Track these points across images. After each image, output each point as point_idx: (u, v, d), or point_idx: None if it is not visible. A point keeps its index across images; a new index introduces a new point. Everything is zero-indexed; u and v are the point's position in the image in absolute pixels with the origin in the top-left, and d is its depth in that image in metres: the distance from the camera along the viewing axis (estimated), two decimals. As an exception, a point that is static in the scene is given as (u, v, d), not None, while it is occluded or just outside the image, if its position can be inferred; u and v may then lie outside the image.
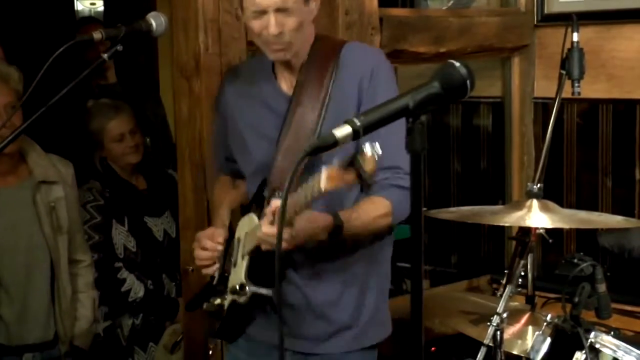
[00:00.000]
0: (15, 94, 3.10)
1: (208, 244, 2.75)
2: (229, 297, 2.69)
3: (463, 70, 1.73)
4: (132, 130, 4.05)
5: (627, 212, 4.14)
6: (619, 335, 2.90)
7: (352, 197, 2.65)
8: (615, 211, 4.16)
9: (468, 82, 1.74)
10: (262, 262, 2.54)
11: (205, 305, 2.81)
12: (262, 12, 2.52)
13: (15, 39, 5.72)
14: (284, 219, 2.00)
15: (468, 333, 3.14)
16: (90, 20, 5.69)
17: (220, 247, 2.75)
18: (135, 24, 2.44)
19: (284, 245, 2.37)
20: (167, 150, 4.43)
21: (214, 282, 2.82)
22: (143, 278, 4.00)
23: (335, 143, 1.72)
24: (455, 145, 4.81)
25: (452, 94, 1.75)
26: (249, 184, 2.78)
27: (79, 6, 7.56)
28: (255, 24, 2.56)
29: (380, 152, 1.88)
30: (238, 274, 2.64)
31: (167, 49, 4.10)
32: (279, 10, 2.51)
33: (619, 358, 2.80)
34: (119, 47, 2.38)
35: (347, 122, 1.73)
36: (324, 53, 2.68)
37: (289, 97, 2.67)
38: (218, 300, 2.74)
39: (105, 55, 2.36)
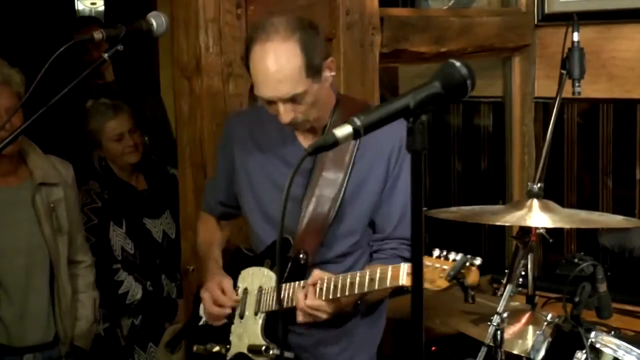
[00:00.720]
0: (17, 97, 3.10)
1: (222, 299, 2.70)
2: (233, 349, 2.69)
3: (464, 70, 1.73)
4: (131, 130, 4.04)
5: (628, 211, 4.14)
6: (619, 335, 2.90)
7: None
8: (615, 211, 4.16)
9: (469, 81, 1.73)
10: (277, 321, 2.58)
11: (196, 348, 2.80)
12: (271, 101, 2.48)
13: (16, 39, 5.72)
14: (284, 220, 2.02)
15: (469, 333, 3.13)
16: (90, 21, 5.69)
17: (234, 304, 2.71)
18: (136, 24, 2.43)
19: (324, 317, 2.48)
20: (167, 147, 4.43)
21: (202, 322, 2.81)
22: (141, 279, 3.99)
23: (335, 143, 1.72)
24: (456, 145, 4.81)
25: (453, 93, 1.74)
26: (257, 234, 2.74)
27: (79, 6, 7.57)
28: (268, 107, 2.52)
29: (479, 262, 2.06)
30: (250, 330, 2.65)
31: (167, 48, 4.09)
32: (287, 100, 2.46)
33: (620, 358, 2.80)
34: (120, 47, 2.38)
35: (347, 121, 1.73)
36: (348, 116, 2.64)
37: (312, 157, 2.56)
38: (217, 348, 2.73)
39: (106, 55, 2.36)
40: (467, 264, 2.07)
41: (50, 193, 3.25)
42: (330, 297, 2.43)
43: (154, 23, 2.44)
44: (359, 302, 2.58)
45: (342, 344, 2.72)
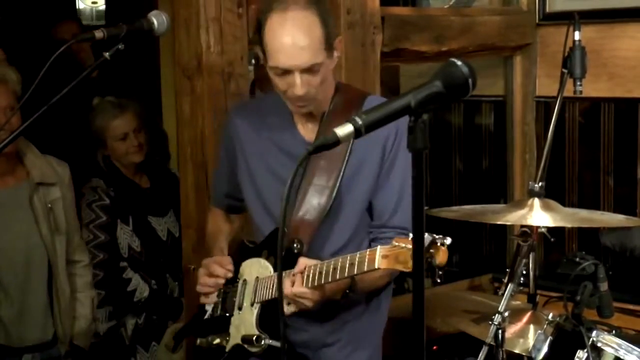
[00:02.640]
0: (14, 96, 3.09)
1: (218, 270, 2.73)
2: (232, 341, 2.68)
3: (465, 69, 1.73)
4: (136, 129, 4.03)
5: (629, 211, 4.14)
6: (620, 334, 2.90)
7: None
8: (617, 210, 4.16)
9: (470, 80, 1.73)
10: (273, 312, 2.56)
11: (199, 341, 2.80)
12: (286, 71, 2.46)
13: (16, 39, 5.72)
14: (285, 218, 2.02)
15: (470, 332, 3.13)
16: (68, 17, 5.65)
17: (230, 275, 2.73)
18: (137, 23, 2.43)
19: (309, 304, 2.46)
20: (161, 144, 4.42)
21: (207, 316, 2.82)
22: (147, 278, 4.00)
23: (337, 142, 1.72)
24: (457, 144, 4.80)
25: (454, 92, 1.74)
26: (257, 225, 2.75)
27: (80, 5, 7.57)
28: (279, 81, 2.50)
29: (449, 242, 2.01)
30: (246, 321, 2.64)
31: (169, 48, 4.10)
32: (305, 70, 2.44)
33: (621, 357, 2.80)
34: (121, 46, 2.38)
35: (349, 120, 1.73)
36: (346, 104, 2.63)
37: (309, 144, 2.62)
38: (217, 340, 2.73)
39: (107, 54, 2.36)
40: (438, 243, 2.02)
41: (48, 193, 3.24)
42: (316, 283, 2.41)
43: (155, 22, 2.45)
44: (348, 291, 2.54)
45: (342, 338, 2.71)
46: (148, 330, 4.02)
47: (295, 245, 2.57)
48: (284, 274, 2.50)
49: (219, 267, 2.74)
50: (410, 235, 2.08)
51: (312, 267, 2.44)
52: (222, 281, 2.74)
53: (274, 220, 2.67)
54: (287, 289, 2.46)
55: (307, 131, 2.64)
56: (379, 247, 2.25)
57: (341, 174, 2.59)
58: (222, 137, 2.90)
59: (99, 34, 2.34)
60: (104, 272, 3.83)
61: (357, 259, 2.32)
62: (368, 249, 2.31)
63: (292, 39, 2.41)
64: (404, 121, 1.71)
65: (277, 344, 2.57)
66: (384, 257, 2.22)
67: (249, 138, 2.73)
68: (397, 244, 2.17)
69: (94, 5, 7.50)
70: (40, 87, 2.26)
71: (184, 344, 3.36)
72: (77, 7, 7.53)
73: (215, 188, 2.98)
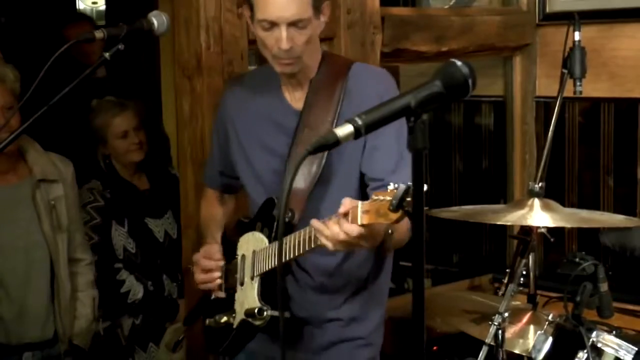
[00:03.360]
0: (12, 94, 3.09)
1: (208, 264, 2.75)
2: (238, 317, 2.68)
3: (465, 69, 1.73)
4: (136, 128, 4.04)
5: (629, 211, 4.14)
6: (620, 334, 2.90)
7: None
8: (617, 210, 4.16)
9: (470, 81, 1.73)
10: (274, 283, 2.54)
11: (208, 321, 2.80)
12: (273, 24, 2.45)
13: (17, 39, 5.73)
14: (284, 225, 2.01)
15: (470, 332, 3.14)
16: (81, 18, 5.67)
17: (221, 263, 2.75)
18: (137, 23, 2.44)
19: (365, 243, 2.26)
20: (162, 145, 4.43)
21: (213, 296, 2.82)
22: (143, 279, 3.99)
23: (337, 142, 1.72)
24: (457, 144, 4.81)
25: (454, 92, 1.74)
26: (252, 199, 2.75)
27: (80, 5, 7.57)
28: (265, 36, 2.49)
29: (425, 188, 1.88)
30: (249, 295, 2.64)
31: (168, 47, 4.10)
32: (291, 24, 2.44)
33: (621, 357, 2.80)
34: (121, 46, 2.38)
35: (348, 120, 1.73)
36: (333, 72, 2.63)
37: (297, 113, 2.62)
38: (225, 318, 2.73)
39: (107, 54, 2.37)
40: (411, 190, 1.91)
41: (50, 190, 3.24)
42: (313, 246, 2.32)
43: (155, 22, 2.45)
44: (390, 231, 2.36)
45: (342, 314, 2.69)
46: (145, 331, 4.02)
47: (287, 214, 2.54)
48: (287, 240, 2.43)
49: (208, 260, 2.75)
50: (390, 186, 2.04)
51: (307, 230, 2.34)
52: (218, 273, 2.74)
53: (266, 191, 2.67)
54: (339, 233, 2.24)
55: (295, 100, 2.64)
56: (359, 202, 2.15)
57: None
58: (216, 115, 2.90)
59: (99, 34, 2.34)
60: (97, 273, 3.82)
61: (349, 216, 2.21)
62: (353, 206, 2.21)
63: None
64: (393, 86, 1.67)
65: (274, 312, 2.56)
66: (365, 213, 2.13)
67: (239, 111, 2.74)
68: (376, 197, 2.09)
69: (94, 5, 7.50)
70: (48, 87, 2.26)
71: (184, 344, 3.36)
72: (77, 7, 7.53)
73: (209, 167, 2.96)
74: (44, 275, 3.24)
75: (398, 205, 1.99)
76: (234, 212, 2.97)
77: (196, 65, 3.21)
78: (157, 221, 4.08)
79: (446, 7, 4.38)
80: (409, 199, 1.98)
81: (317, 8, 2.48)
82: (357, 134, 1.73)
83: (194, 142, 3.28)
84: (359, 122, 1.72)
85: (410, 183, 1.92)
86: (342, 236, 2.25)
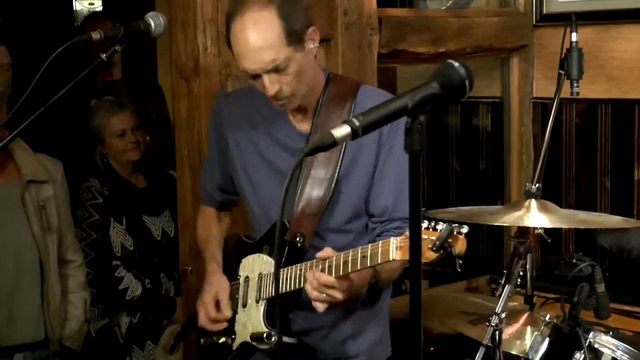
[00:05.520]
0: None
1: (218, 316, 2.71)
2: (239, 339, 2.68)
3: (462, 71, 1.73)
4: (134, 127, 4.06)
5: (626, 212, 4.14)
6: (617, 335, 2.91)
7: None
8: (614, 211, 4.16)
9: (467, 82, 1.73)
10: (280, 308, 2.53)
11: (203, 340, 2.79)
12: (255, 74, 2.45)
13: (14, 39, 5.71)
14: (281, 226, 2.01)
15: (467, 333, 3.14)
16: (98, 16, 5.67)
17: (229, 315, 2.70)
18: (134, 24, 2.43)
19: (339, 296, 2.38)
20: (168, 149, 4.43)
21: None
22: (140, 277, 4.00)
23: (334, 143, 1.72)
24: (454, 145, 4.81)
25: (451, 94, 1.75)
26: (256, 220, 2.73)
27: (77, 6, 7.56)
28: (253, 82, 2.50)
29: (466, 230, 2.02)
30: (253, 318, 2.64)
31: (166, 49, 4.10)
32: (271, 71, 2.43)
33: (618, 358, 2.81)
34: (118, 48, 2.38)
35: (346, 122, 1.73)
36: (340, 94, 2.62)
37: (303, 135, 2.60)
38: (223, 339, 2.72)
39: (104, 56, 2.36)
40: (454, 232, 2.02)
41: (40, 191, 3.21)
42: (341, 273, 2.36)
43: (152, 23, 2.44)
44: (375, 281, 2.50)
45: (344, 328, 2.70)
46: (143, 330, 4.03)
47: (298, 239, 2.55)
48: (298, 268, 2.49)
49: (217, 313, 2.71)
50: (425, 223, 2.09)
51: (321, 262, 2.40)
52: (224, 325, 2.71)
53: (268, 212, 2.66)
54: (313, 281, 2.39)
55: (299, 122, 2.63)
56: (392, 238, 2.23)
57: (339, 165, 2.57)
58: (210, 127, 2.86)
59: (96, 35, 2.34)
60: (95, 271, 3.83)
61: (369, 251, 2.29)
62: (380, 241, 2.28)
63: (250, 41, 2.40)
64: None
65: (288, 339, 2.57)
66: (398, 249, 2.21)
67: (241, 129, 2.71)
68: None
69: (91, 6, 7.48)
70: (53, 85, 2.26)
71: (182, 345, 3.35)
72: (74, 8, 7.52)
73: (207, 182, 2.92)
74: (34, 277, 3.22)
75: (440, 246, 2.03)
76: (228, 229, 2.96)
77: (193, 66, 3.21)
78: (155, 219, 4.10)
79: (443, 8, 4.38)
80: (450, 240, 2.02)
81: (296, 41, 2.43)
82: (355, 134, 1.72)
83: (191, 144, 3.28)
84: (356, 123, 1.72)
85: (455, 225, 2.02)
86: (314, 284, 2.36)
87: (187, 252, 3.35)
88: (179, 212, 3.43)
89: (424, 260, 2.09)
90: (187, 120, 3.28)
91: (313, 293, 2.40)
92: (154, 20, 2.44)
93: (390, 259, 2.23)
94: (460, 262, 2.04)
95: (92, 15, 5.75)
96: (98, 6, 7.37)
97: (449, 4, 4.39)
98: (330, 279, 2.37)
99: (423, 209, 1.77)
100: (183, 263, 3.39)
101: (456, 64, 1.74)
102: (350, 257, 2.34)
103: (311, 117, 2.61)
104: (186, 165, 3.32)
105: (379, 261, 2.28)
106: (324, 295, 2.39)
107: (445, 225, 2.05)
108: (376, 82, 3.70)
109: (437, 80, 1.74)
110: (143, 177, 4.17)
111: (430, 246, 2.06)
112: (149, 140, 4.19)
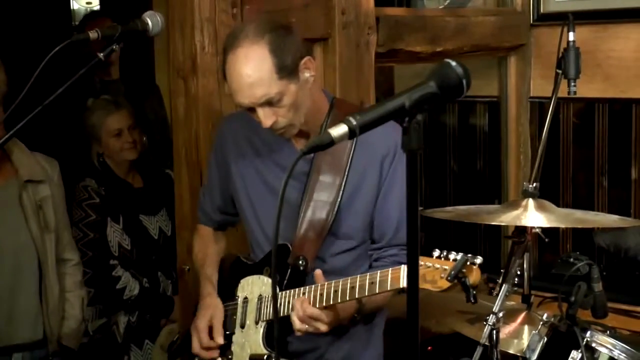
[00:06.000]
0: None
1: (211, 344, 2.71)
2: (236, 359, 2.68)
3: (459, 70, 1.73)
4: (131, 127, 4.06)
5: (623, 211, 4.15)
6: (615, 334, 2.91)
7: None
8: (611, 210, 4.17)
9: (464, 81, 1.73)
10: (280, 330, 2.54)
11: None
12: (251, 108, 2.47)
13: (11, 39, 5.71)
14: (278, 228, 2.00)
15: (464, 332, 3.13)
16: (97, 15, 5.67)
17: (221, 342, 2.70)
18: (132, 24, 2.43)
19: (323, 328, 2.45)
20: (166, 149, 4.44)
21: None
22: (138, 276, 4.01)
23: (331, 142, 1.71)
24: (452, 144, 4.81)
25: (448, 93, 1.74)
26: (256, 241, 2.74)
27: (75, 5, 7.55)
28: (250, 113, 2.51)
29: (480, 261, 2.04)
30: (252, 340, 2.64)
31: (163, 48, 4.09)
32: (264, 105, 2.45)
33: (615, 357, 2.81)
34: (115, 47, 2.38)
35: (343, 121, 1.72)
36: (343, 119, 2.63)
37: (309, 160, 2.60)
38: (219, 359, 2.72)
39: (101, 55, 2.36)
40: (468, 263, 2.05)
41: (37, 191, 3.21)
42: (331, 302, 2.41)
43: (150, 23, 2.44)
44: (357, 315, 2.57)
45: (337, 348, 2.71)
46: (141, 329, 4.03)
47: (300, 262, 2.57)
48: (293, 293, 2.52)
49: (209, 340, 2.71)
50: (436, 252, 2.11)
51: (327, 286, 2.43)
52: (217, 354, 2.71)
53: (269, 234, 2.67)
54: (299, 310, 2.45)
55: (302, 145, 2.62)
56: (403, 266, 2.24)
57: (342, 189, 2.58)
58: (213, 149, 2.88)
59: (93, 34, 2.34)
60: (92, 270, 3.83)
61: (378, 278, 2.31)
62: (391, 268, 2.30)
63: (242, 76, 2.43)
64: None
65: None
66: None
67: (242, 151, 2.72)
68: (423, 263, 2.13)
69: (89, 5, 7.48)
70: (50, 84, 2.26)
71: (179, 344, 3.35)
72: (71, 7, 7.52)
73: (206, 202, 2.94)
74: (32, 276, 3.22)
75: (455, 276, 2.05)
76: (225, 250, 2.97)
77: (191, 66, 3.20)
78: (152, 218, 4.10)
79: (441, 7, 4.38)
80: (464, 270, 2.04)
81: (289, 74, 2.44)
82: (352, 134, 1.72)
83: (188, 143, 3.27)
84: (354, 122, 1.71)
85: (469, 255, 2.05)
86: (300, 314, 2.42)
87: (185, 251, 3.35)
88: (177, 211, 3.43)
89: (436, 289, 2.13)
90: (185, 120, 3.27)
91: (297, 323, 2.46)
92: (152, 20, 2.45)
93: (401, 286, 2.25)
94: (474, 292, 2.06)
95: (91, 15, 5.73)
96: (95, 5, 7.37)
97: (446, 4, 4.38)
98: (316, 311, 2.43)
99: (420, 208, 1.77)
100: (181, 262, 3.39)
101: (453, 63, 1.74)
102: (358, 283, 2.36)
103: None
104: (183, 165, 3.31)
105: (388, 288, 2.30)
106: (307, 326, 2.45)
107: (460, 255, 2.07)
108: (373, 81, 3.70)
109: (435, 79, 1.74)
110: (140, 177, 4.17)
111: (443, 275, 2.09)
112: (146, 140, 4.19)
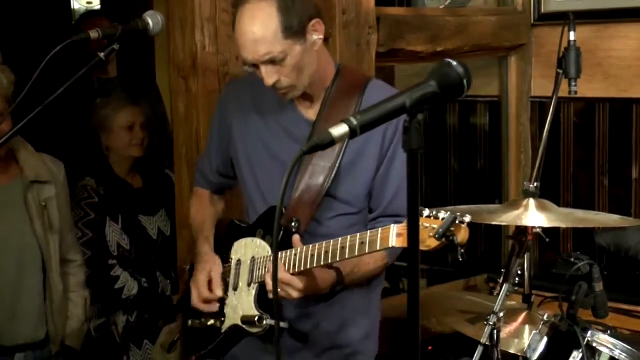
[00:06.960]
0: (3, 100, 3.06)
1: (211, 296, 2.70)
2: (229, 321, 2.67)
3: (460, 69, 1.73)
4: (142, 125, 4.07)
5: (624, 210, 4.15)
6: (615, 334, 2.91)
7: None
8: (611, 210, 4.17)
9: (465, 80, 1.73)
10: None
11: (190, 322, 2.79)
12: (253, 63, 2.48)
13: (11, 39, 5.71)
14: (279, 228, 2.01)
15: (465, 332, 3.14)
16: (94, 14, 5.67)
17: (220, 294, 2.70)
18: (132, 23, 2.43)
19: (295, 295, 2.45)
20: (164, 147, 4.44)
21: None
22: (137, 275, 4.00)
23: (332, 142, 1.72)
24: (452, 144, 4.81)
25: (449, 92, 1.74)
26: (252, 204, 2.73)
27: (75, 5, 7.55)
28: (253, 70, 2.51)
29: (469, 219, 2.02)
30: (244, 301, 2.63)
31: (164, 47, 4.10)
32: (266, 63, 2.45)
33: (616, 357, 2.81)
34: (115, 46, 2.38)
35: (344, 120, 1.73)
36: (348, 87, 2.62)
37: (309, 122, 2.61)
38: (211, 321, 2.71)
39: (101, 54, 2.36)
40: (457, 221, 2.02)
41: (42, 191, 3.22)
42: (322, 262, 2.39)
43: (150, 22, 2.45)
44: (337, 286, 2.55)
45: (334, 317, 2.69)
46: (140, 328, 4.03)
47: (293, 224, 2.55)
48: (292, 252, 2.48)
49: (209, 293, 2.70)
50: (425, 211, 2.08)
51: (317, 246, 2.41)
52: (217, 306, 2.70)
53: (266, 198, 2.66)
54: (280, 272, 2.44)
55: (306, 109, 2.64)
56: (392, 225, 2.24)
57: (340, 156, 2.57)
58: (216, 110, 2.86)
59: (93, 34, 2.34)
60: (91, 270, 3.83)
61: (367, 238, 2.30)
62: (380, 228, 2.29)
63: (247, 32, 2.43)
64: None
65: (280, 324, 2.55)
66: (398, 235, 2.21)
67: (246, 113, 2.71)
68: None
69: (89, 5, 7.48)
70: (50, 84, 2.26)
71: (179, 344, 3.35)
72: (71, 7, 7.52)
73: (205, 166, 2.92)
74: (36, 276, 3.23)
75: (443, 234, 2.03)
76: (222, 214, 2.96)
77: (191, 65, 3.20)
78: (150, 218, 4.10)
79: (441, 7, 4.38)
80: (452, 228, 2.02)
81: (295, 34, 2.44)
82: (352, 133, 1.72)
83: (189, 142, 3.28)
84: (354, 122, 1.72)
85: (457, 213, 2.02)
86: (280, 275, 2.41)
87: (185, 250, 3.35)
88: (177, 211, 3.43)
89: (425, 247, 2.08)
90: (185, 119, 3.28)
91: (269, 285, 2.47)
92: (152, 19, 2.45)
93: (390, 245, 2.24)
94: (462, 250, 2.03)
95: (87, 13, 5.73)
96: (96, 4, 7.37)
97: (446, 3, 4.38)
98: (287, 275, 2.43)
99: (420, 207, 1.77)
100: (181, 261, 3.39)
101: (454, 63, 1.74)
102: (348, 243, 2.35)
103: (318, 105, 2.62)
104: (184, 164, 3.31)
105: (378, 247, 2.29)
106: (278, 289, 2.42)
107: (447, 213, 2.05)
108: (374, 80, 3.70)
109: (435, 78, 1.74)
110: (139, 177, 4.16)
111: (432, 234, 2.06)
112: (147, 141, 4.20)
